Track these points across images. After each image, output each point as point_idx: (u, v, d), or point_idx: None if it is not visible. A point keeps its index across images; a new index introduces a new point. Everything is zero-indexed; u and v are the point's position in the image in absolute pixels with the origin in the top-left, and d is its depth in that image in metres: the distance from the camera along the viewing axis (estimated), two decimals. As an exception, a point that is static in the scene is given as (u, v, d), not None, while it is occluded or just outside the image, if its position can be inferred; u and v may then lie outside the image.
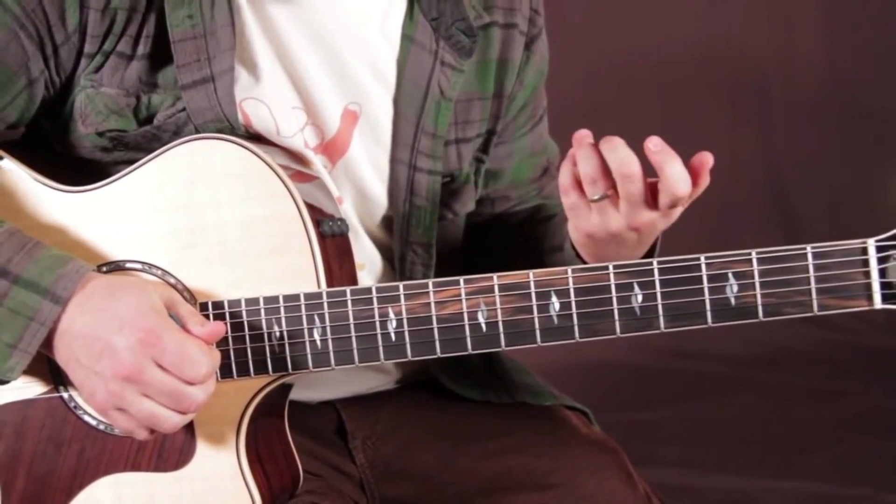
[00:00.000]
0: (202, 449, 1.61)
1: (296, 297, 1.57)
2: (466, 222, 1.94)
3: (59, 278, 1.51)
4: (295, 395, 1.73)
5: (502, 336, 1.55)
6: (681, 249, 1.56)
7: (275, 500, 1.64)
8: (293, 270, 1.58)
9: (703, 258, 1.50)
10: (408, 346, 1.56)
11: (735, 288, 1.50)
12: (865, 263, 1.47)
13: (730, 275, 1.50)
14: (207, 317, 1.58)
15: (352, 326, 1.57)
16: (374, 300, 1.56)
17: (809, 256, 1.48)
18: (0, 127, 1.69)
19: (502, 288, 1.54)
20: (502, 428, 1.87)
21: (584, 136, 1.53)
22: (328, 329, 1.57)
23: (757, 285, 1.49)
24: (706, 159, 1.51)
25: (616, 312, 1.52)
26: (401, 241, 1.81)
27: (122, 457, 1.62)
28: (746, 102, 4.93)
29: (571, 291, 1.53)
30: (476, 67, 1.85)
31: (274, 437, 1.68)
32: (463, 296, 1.55)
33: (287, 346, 1.58)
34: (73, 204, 1.64)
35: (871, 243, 1.48)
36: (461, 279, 1.55)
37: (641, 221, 1.54)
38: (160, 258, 1.61)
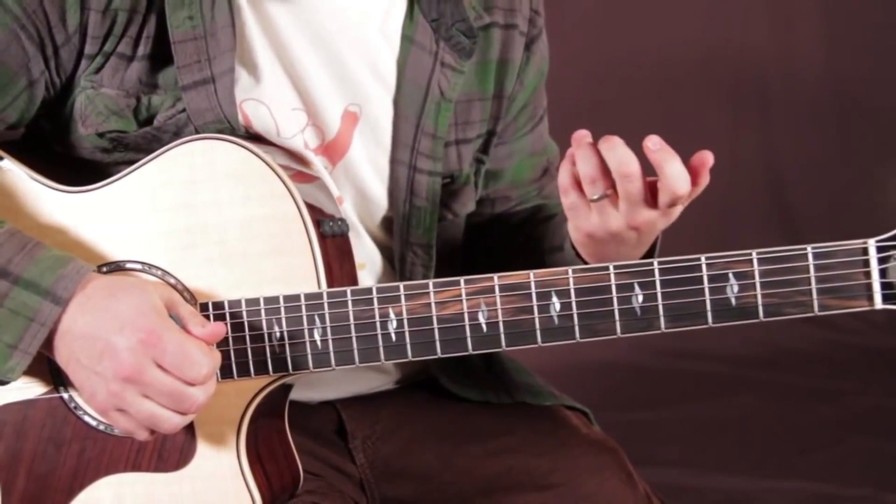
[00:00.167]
0: (202, 449, 1.61)
1: (296, 298, 1.57)
2: (466, 223, 1.94)
3: (59, 279, 1.51)
4: (295, 395, 1.73)
5: (503, 336, 1.55)
6: (681, 249, 1.56)
7: (275, 499, 1.64)
8: (293, 270, 1.58)
9: (703, 258, 1.50)
10: (408, 346, 1.56)
11: (736, 288, 1.50)
12: (866, 263, 1.47)
13: (730, 275, 1.50)
14: (208, 317, 1.58)
15: (352, 327, 1.57)
16: (375, 300, 1.56)
17: (810, 256, 1.48)
18: (0, 127, 1.69)
19: (503, 288, 1.54)
20: (502, 428, 1.87)
21: (582, 135, 1.53)
22: (328, 329, 1.57)
23: (758, 285, 1.49)
24: (706, 158, 1.51)
25: (617, 313, 1.52)
26: (401, 241, 1.81)
27: (122, 457, 1.62)
28: (746, 102, 4.93)
29: (572, 292, 1.53)
30: (476, 68, 1.85)
31: (274, 437, 1.68)
32: (463, 296, 1.55)
33: (287, 346, 1.58)
34: (73, 204, 1.64)
35: (872, 243, 1.48)
36: (462, 279, 1.55)
37: (641, 220, 1.54)
38: (160, 258, 1.61)
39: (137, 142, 1.68)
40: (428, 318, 1.56)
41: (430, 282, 1.56)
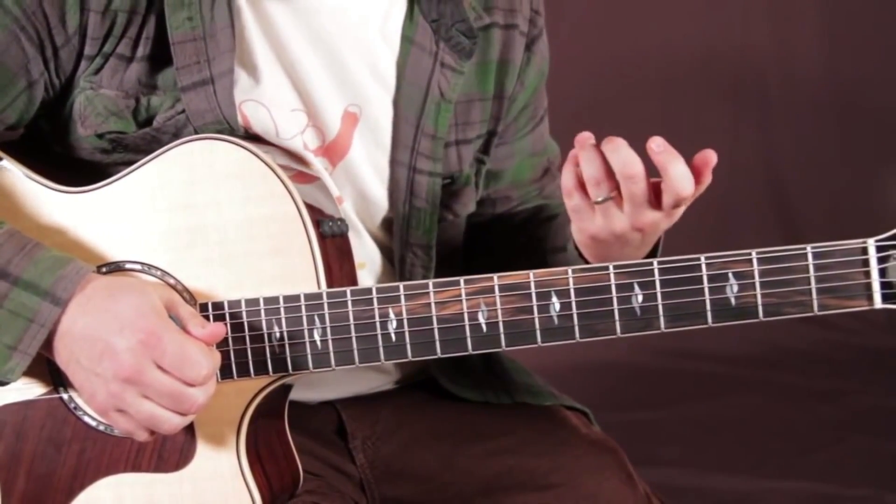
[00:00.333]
0: (202, 449, 1.61)
1: (296, 298, 1.57)
2: (468, 223, 1.94)
3: (59, 279, 1.51)
4: (295, 395, 1.73)
5: (503, 336, 1.55)
6: (681, 249, 1.56)
7: (275, 500, 1.64)
8: (293, 271, 1.58)
9: (703, 258, 1.50)
10: (408, 346, 1.56)
11: (735, 288, 1.50)
12: (866, 263, 1.47)
13: (730, 275, 1.50)
14: (207, 317, 1.58)
15: (352, 327, 1.57)
16: (375, 300, 1.56)
17: (809, 256, 1.48)
18: (-1, 128, 1.69)
19: (503, 288, 1.54)
20: (502, 428, 1.87)
21: (586, 137, 1.53)
22: (328, 329, 1.57)
23: (757, 285, 1.49)
24: (709, 158, 1.51)
25: (616, 313, 1.52)
26: (401, 242, 1.81)
27: (122, 457, 1.62)
28: (746, 102, 4.93)
29: (572, 292, 1.53)
30: (476, 68, 1.85)
31: (274, 438, 1.68)
32: (463, 296, 1.55)
33: (287, 346, 1.58)
34: (73, 205, 1.63)
35: (872, 243, 1.48)
36: (461, 279, 1.55)
37: (645, 222, 1.54)
38: (160, 259, 1.61)
39: (137, 143, 1.68)
40: (428, 319, 1.56)
41: (430, 282, 1.56)
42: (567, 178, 1.56)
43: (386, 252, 1.84)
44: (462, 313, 1.55)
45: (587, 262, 1.67)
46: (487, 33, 1.85)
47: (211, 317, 1.58)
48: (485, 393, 1.91)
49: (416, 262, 1.82)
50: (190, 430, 1.60)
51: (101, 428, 1.62)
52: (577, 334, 1.53)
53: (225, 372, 1.58)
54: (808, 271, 1.49)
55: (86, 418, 1.63)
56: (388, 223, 1.82)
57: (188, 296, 1.59)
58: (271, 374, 1.59)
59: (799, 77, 4.97)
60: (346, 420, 1.87)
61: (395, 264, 1.81)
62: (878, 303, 1.48)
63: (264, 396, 1.60)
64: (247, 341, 1.58)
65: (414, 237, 1.81)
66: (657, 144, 1.48)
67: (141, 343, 1.48)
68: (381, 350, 1.57)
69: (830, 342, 4.34)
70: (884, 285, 1.47)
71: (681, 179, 1.49)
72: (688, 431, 3.69)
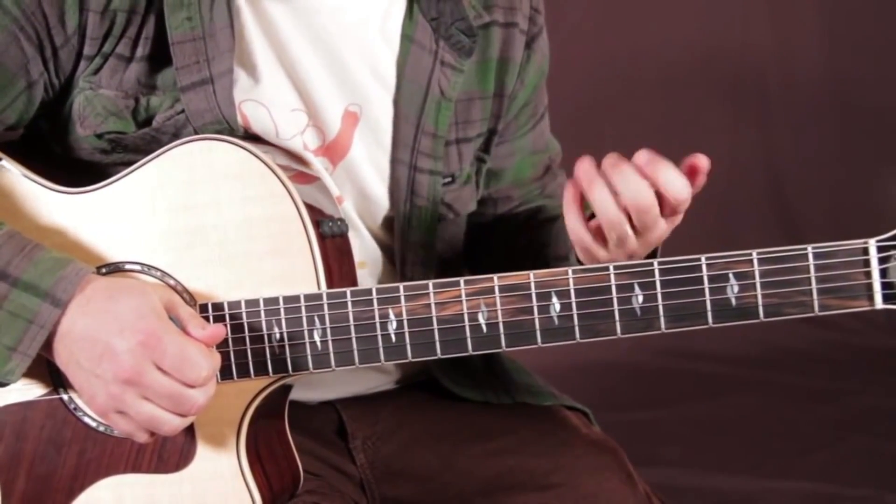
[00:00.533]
0: (202, 450, 1.61)
1: (296, 299, 1.57)
2: (469, 222, 1.94)
3: (58, 281, 1.51)
4: (295, 395, 1.73)
5: (503, 337, 1.55)
6: (681, 248, 1.56)
7: (275, 500, 1.64)
8: (293, 271, 1.58)
9: (703, 258, 1.50)
10: (408, 347, 1.56)
11: (736, 288, 1.50)
12: (867, 263, 1.47)
13: (730, 275, 1.50)
14: (207, 318, 1.58)
15: (352, 327, 1.56)
16: (375, 301, 1.56)
17: (810, 257, 1.48)
18: (-1, 128, 1.69)
19: (503, 289, 1.54)
20: (502, 428, 1.87)
21: (587, 168, 1.52)
22: (328, 330, 1.57)
23: (758, 286, 1.49)
24: (700, 163, 1.52)
25: (617, 313, 1.52)
26: (401, 241, 1.81)
27: (122, 458, 1.62)
28: (746, 102, 4.94)
29: (572, 292, 1.53)
30: (476, 67, 1.85)
31: (274, 438, 1.68)
32: (463, 297, 1.55)
33: (287, 347, 1.58)
34: (72, 205, 1.63)
35: (873, 243, 1.48)
36: (461, 280, 1.55)
37: (654, 237, 1.55)
38: (159, 259, 1.61)
39: (136, 143, 1.68)
40: (428, 319, 1.55)
41: (430, 282, 1.56)
42: (576, 225, 1.56)
43: (386, 251, 1.84)
44: (462, 314, 1.55)
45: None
46: (487, 32, 1.85)
47: (211, 317, 1.58)
48: (485, 393, 1.91)
49: (417, 260, 1.82)
50: (190, 430, 1.60)
51: (101, 429, 1.62)
52: (578, 335, 1.53)
53: (225, 373, 1.58)
54: (808, 271, 1.48)
55: (86, 419, 1.63)
56: (388, 222, 1.82)
57: (188, 296, 1.59)
58: (271, 374, 1.59)
59: (799, 77, 4.97)
60: (347, 420, 1.87)
61: (396, 263, 1.81)
62: (878, 303, 1.48)
63: (264, 397, 1.60)
64: (247, 342, 1.58)
65: (414, 236, 1.81)
66: (643, 158, 1.48)
67: (141, 344, 1.48)
68: (381, 351, 1.56)
69: (830, 342, 4.34)
70: (885, 286, 1.47)
71: (675, 187, 1.49)
72: (688, 431, 3.69)
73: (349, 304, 1.56)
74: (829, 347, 4.32)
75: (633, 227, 1.53)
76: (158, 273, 1.60)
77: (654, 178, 1.48)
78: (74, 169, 1.70)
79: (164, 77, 1.68)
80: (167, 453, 1.62)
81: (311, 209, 1.60)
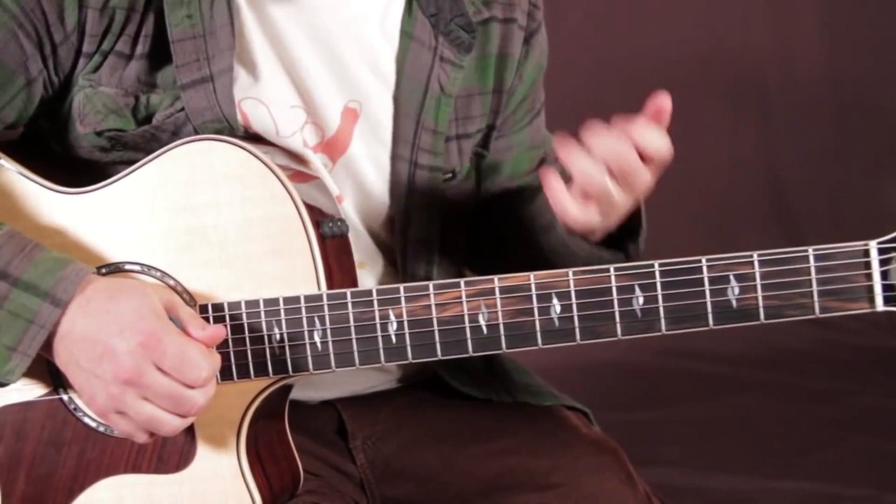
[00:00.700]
0: (203, 450, 1.61)
1: (296, 300, 1.57)
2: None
3: (59, 281, 1.51)
4: (295, 394, 1.73)
5: (503, 338, 1.55)
6: (681, 247, 1.56)
7: (275, 500, 1.64)
8: (293, 272, 1.57)
9: (704, 260, 1.50)
10: (408, 348, 1.56)
11: (736, 290, 1.50)
12: (867, 265, 1.48)
13: (731, 277, 1.50)
14: (207, 319, 1.58)
15: (352, 328, 1.56)
16: (375, 302, 1.56)
17: (811, 258, 1.48)
18: (-2, 127, 1.69)
19: (503, 290, 1.54)
20: (503, 428, 1.87)
21: (560, 136, 1.55)
22: (328, 331, 1.57)
23: (758, 287, 1.49)
24: (662, 104, 1.53)
25: (617, 315, 1.52)
26: (402, 237, 1.81)
27: (122, 458, 1.62)
28: (746, 102, 4.93)
29: (572, 294, 1.53)
30: (476, 63, 1.85)
31: (274, 438, 1.68)
32: (464, 298, 1.55)
33: (287, 348, 1.57)
34: (72, 205, 1.63)
35: (874, 245, 1.48)
36: (462, 281, 1.55)
37: (643, 189, 1.56)
38: (159, 260, 1.60)
39: (136, 140, 1.68)
40: (428, 320, 1.55)
41: (430, 283, 1.56)
42: (565, 201, 1.57)
43: (386, 250, 1.84)
44: (462, 315, 1.55)
45: (576, 235, 1.68)
46: (486, 27, 1.85)
47: (211, 318, 1.58)
48: (487, 391, 1.91)
49: (419, 256, 1.81)
50: (190, 431, 1.60)
51: (101, 429, 1.62)
52: (578, 336, 1.53)
53: (225, 373, 1.58)
54: (809, 273, 1.48)
55: (86, 419, 1.63)
56: (388, 220, 1.82)
57: (188, 297, 1.59)
58: (271, 375, 1.59)
59: (799, 77, 4.97)
60: (347, 420, 1.87)
61: (398, 259, 1.81)
62: (879, 305, 1.48)
63: (264, 398, 1.60)
64: (247, 343, 1.58)
65: (415, 232, 1.81)
66: (612, 123, 1.52)
67: (141, 345, 1.48)
68: (382, 352, 1.56)
69: (830, 342, 4.34)
70: (886, 288, 1.47)
71: (649, 137, 1.53)
72: (688, 431, 3.68)
73: (349, 304, 1.56)
74: (829, 347, 4.32)
75: (615, 180, 1.54)
76: (158, 273, 1.60)
77: (627, 134, 1.51)
78: (74, 168, 1.70)
79: (164, 75, 1.68)
80: (167, 454, 1.62)
81: (312, 209, 1.60)
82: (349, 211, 1.78)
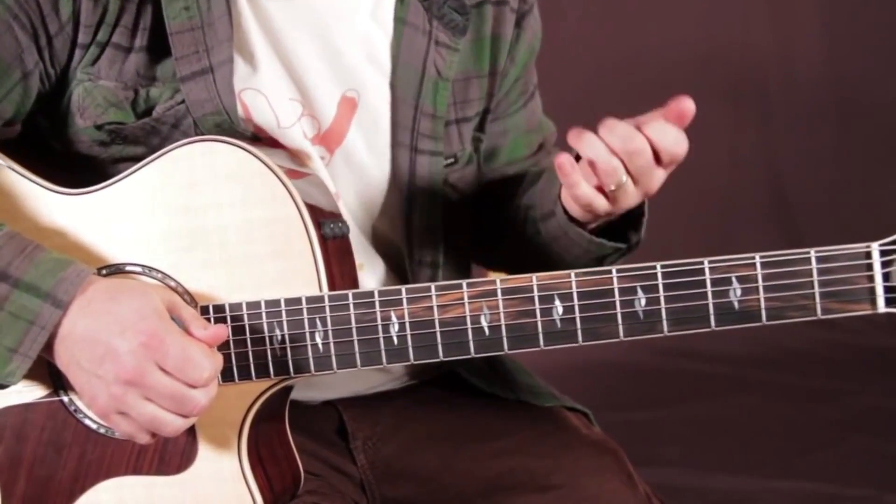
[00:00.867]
0: (204, 452, 1.61)
1: (297, 301, 1.57)
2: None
3: (59, 282, 1.50)
4: (296, 395, 1.73)
5: (505, 339, 1.54)
6: (681, 247, 1.56)
7: (276, 501, 1.64)
8: (294, 273, 1.57)
9: (706, 262, 1.50)
10: (410, 349, 1.56)
11: (738, 292, 1.50)
12: (869, 267, 1.47)
13: (733, 279, 1.50)
14: (208, 320, 1.58)
15: (354, 330, 1.56)
16: (377, 303, 1.56)
17: (813, 260, 1.48)
18: (-3, 124, 1.69)
19: (505, 291, 1.54)
20: (503, 429, 1.87)
21: (576, 129, 1.55)
22: (330, 332, 1.56)
23: (760, 289, 1.49)
24: (685, 107, 1.54)
25: (619, 316, 1.52)
26: (407, 226, 1.81)
27: (123, 460, 1.62)
28: (746, 102, 4.94)
29: (574, 295, 1.53)
30: (472, 46, 1.85)
31: (275, 439, 1.68)
32: (466, 299, 1.55)
33: (289, 349, 1.57)
34: (73, 206, 1.63)
35: (875, 247, 1.47)
36: (464, 283, 1.55)
37: (653, 186, 1.58)
38: (160, 261, 1.60)
39: (136, 134, 1.68)
40: (430, 322, 1.55)
41: (433, 285, 1.55)
42: (580, 184, 1.57)
43: (386, 250, 1.84)
44: (464, 316, 1.54)
45: (576, 223, 1.68)
46: (481, 10, 1.85)
47: (212, 319, 1.58)
48: (491, 385, 1.90)
49: (425, 244, 1.81)
50: (191, 432, 1.60)
51: (102, 431, 1.62)
52: (580, 338, 1.53)
53: (226, 375, 1.58)
54: (811, 275, 1.48)
55: (86, 421, 1.62)
56: (390, 211, 1.82)
57: (189, 298, 1.59)
58: (273, 376, 1.58)
59: (799, 77, 4.98)
60: (347, 420, 1.87)
61: (404, 249, 1.81)
62: (881, 307, 1.48)
63: (266, 399, 1.60)
64: (248, 344, 1.58)
65: (419, 219, 1.80)
66: (631, 119, 1.53)
67: (143, 345, 1.48)
68: (384, 353, 1.56)
69: (830, 342, 4.34)
70: (887, 289, 1.47)
71: (668, 137, 1.55)
72: (688, 431, 3.69)
73: (351, 306, 1.56)
74: (829, 347, 4.33)
75: (629, 174, 1.55)
76: (159, 275, 1.60)
77: (645, 132, 1.52)
78: (74, 166, 1.70)
79: (164, 68, 1.68)
80: (168, 455, 1.61)
81: (313, 210, 1.60)
82: (348, 206, 1.78)
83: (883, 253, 1.47)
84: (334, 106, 1.76)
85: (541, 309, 1.53)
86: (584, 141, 1.55)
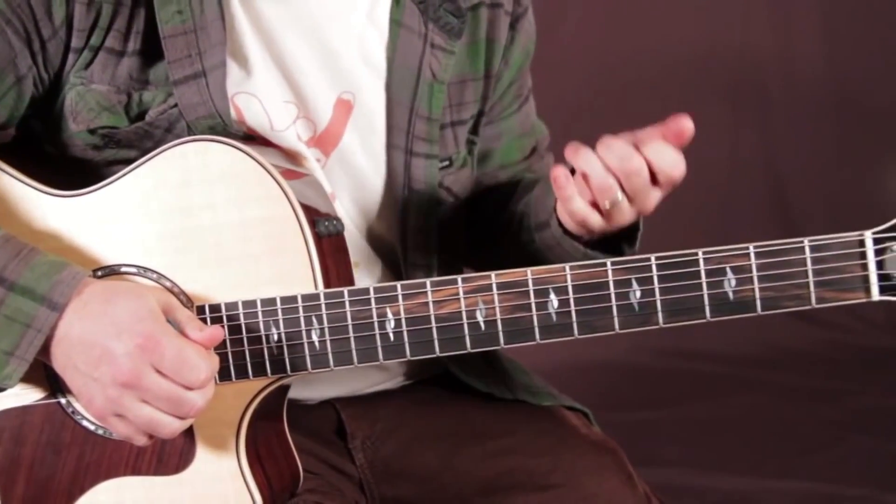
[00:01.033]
0: (202, 451, 1.61)
1: (293, 299, 1.57)
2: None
3: (55, 284, 1.51)
4: (295, 394, 1.73)
5: (501, 334, 1.54)
6: (680, 247, 1.56)
7: (275, 500, 1.64)
8: (290, 272, 1.57)
9: (700, 253, 1.50)
10: (406, 345, 1.56)
11: (733, 282, 1.50)
12: (863, 256, 1.47)
13: (728, 269, 1.50)
14: (205, 320, 1.58)
15: (350, 327, 1.56)
16: (372, 300, 1.56)
17: (807, 249, 1.48)
18: (-9, 128, 1.69)
19: (500, 286, 1.54)
20: (502, 428, 1.87)
21: (574, 144, 1.54)
22: (326, 330, 1.56)
23: (755, 279, 1.49)
24: (683, 126, 1.53)
25: (615, 308, 1.52)
26: (402, 228, 1.81)
27: (121, 461, 1.62)
28: (746, 102, 4.94)
29: (570, 288, 1.53)
30: (467, 49, 1.85)
31: (273, 438, 1.68)
32: (461, 294, 1.55)
33: (285, 347, 1.57)
34: (67, 209, 1.63)
35: (869, 235, 1.48)
36: (459, 278, 1.55)
37: (650, 206, 1.56)
38: (155, 262, 1.60)
39: (129, 138, 1.68)
40: (426, 318, 1.55)
41: (428, 281, 1.55)
42: (576, 200, 1.57)
43: (382, 249, 1.84)
44: (460, 312, 1.54)
45: (571, 235, 1.67)
46: (476, 13, 1.85)
47: (208, 319, 1.58)
48: (489, 385, 1.90)
49: (418, 246, 1.81)
50: (189, 432, 1.60)
51: (100, 432, 1.62)
52: (576, 331, 1.53)
53: (223, 374, 1.58)
54: (805, 264, 1.48)
55: (84, 423, 1.62)
56: (385, 213, 1.82)
57: (185, 299, 1.59)
58: (270, 375, 1.58)
59: (799, 77, 4.98)
60: (346, 420, 1.87)
61: (398, 250, 1.81)
62: (875, 295, 1.48)
63: (263, 398, 1.60)
64: (245, 343, 1.58)
65: (414, 221, 1.80)
66: (629, 136, 1.51)
67: (139, 347, 1.48)
68: (380, 350, 1.56)
69: (830, 342, 4.34)
70: (881, 277, 1.47)
71: (666, 159, 1.52)
72: (688, 431, 3.69)
73: (347, 303, 1.56)
74: (829, 347, 4.32)
75: (624, 193, 1.54)
76: (155, 275, 1.60)
77: (643, 151, 1.50)
78: (68, 170, 1.70)
79: (157, 71, 1.68)
80: (167, 455, 1.62)
81: (307, 209, 1.60)
82: (344, 207, 1.78)
83: (876, 241, 1.47)
84: (330, 108, 1.76)
85: (536, 303, 1.53)
86: (580, 157, 1.55)
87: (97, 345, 1.49)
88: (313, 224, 1.59)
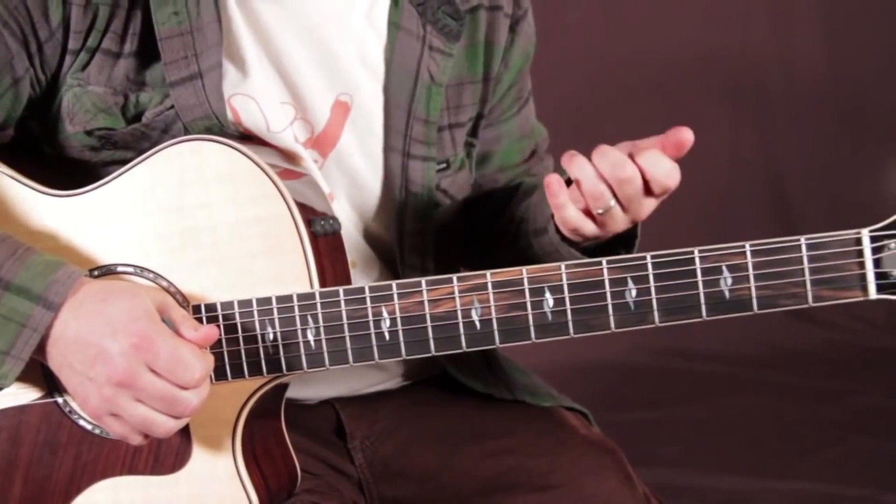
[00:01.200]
0: (198, 451, 1.60)
1: (289, 298, 1.56)
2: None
3: (51, 284, 1.50)
4: (294, 393, 1.73)
5: (496, 333, 1.54)
6: (680, 247, 1.55)
7: (272, 500, 1.64)
8: (285, 271, 1.57)
9: (696, 251, 1.49)
10: (402, 344, 1.56)
11: (729, 281, 1.49)
12: (860, 254, 1.47)
13: (724, 268, 1.49)
14: (200, 320, 1.58)
15: (345, 326, 1.56)
16: (368, 299, 1.55)
17: (803, 248, 1.48)
18: (-12, 128, 1.69)
19: (496, 285, 1.53)
20: (502, 428, 1.87)
21: (570, 152, 1.54)
22: (322, 329, 1.56)
23: (751, 277, 1.48)
24: (683, 137, 1.52)
25: (610, 307, 1.51)
26: (398, 230, 1.81)
27: (118, 460, 1.62)
28: (746, 102, 4.94)
29: (565, 287, 1.52)
30: (465, 51, 1.85)
31: (270, 438, 1.67)
32: (456, 293, 1.54)
33: (281, 347, 1.57)
34: (63, 208, 1.63)
35: (866, 233, 1.47)
36: (454, 277, 1.54)
37: (643, 214, 1.56)
38: (152, 261, 1.60)
39: (126, 139, 1.68)
40: (421, 317, 1.55)
41: (423, 280, 1.55)
42: (567, 207, 1.57)
43: (379, 248, 1.84)
44: (455, 311, 1.54)
45: (569, 242, 1.67)
46: (475, 15, 1.85)
47: (204, 319, 1.58)
48: (487, 386, 1.90)
49: (415, 248, 1.81)
50: (186, 431, 1.60)
51: (97, 431, 1.62)
52: (572, 329, 1.53)
53: (219, 373, 1.58)
54: (802, 263, 1.48)
55: (81, 422, 1.63)
56: (382, 214, 1.82)
57: (181, 298, 1.59)
58: (265, 374, 1.58)
59: (799, 77, 4.98)
60: (345, 420, 1.87)
61: (396, 250, 1.81)
62: (872, 293, 1.47)
63: (259, 397, 1.60)
64: (240, 342, 1.58)
65: (411, 224, 1.80)
66: (626, 145, 1.51)
67: (134, 347, 1.48)
68: (375, 349, 1.56)
69: (830, 342, 4.34)
70: (878, 276, 1.46)
71: (661, 168, 1.51)
72: (688, 431, 3.69)
73: (342, 302, 1.56)
74: (829, 347, 4.32)
75: (618, 201, 1.54)
76: (151, 275, 1.60)
77: (637, 161, 1.50)
78: (65, 170, 1.70)
79: (153, 73, 1.68)
80: (163, 455, 1.62)
81: (303, 208, 1.59)
82: (342, 208, 1.78)
83: (873, 239, 1.46)
84: (327, 109, 1.76)
85: (531, 302, 1.53)
86: (574, 163, 1.55)
87: (92, 344, 1.49)
88: (309, 223, 1.59)
